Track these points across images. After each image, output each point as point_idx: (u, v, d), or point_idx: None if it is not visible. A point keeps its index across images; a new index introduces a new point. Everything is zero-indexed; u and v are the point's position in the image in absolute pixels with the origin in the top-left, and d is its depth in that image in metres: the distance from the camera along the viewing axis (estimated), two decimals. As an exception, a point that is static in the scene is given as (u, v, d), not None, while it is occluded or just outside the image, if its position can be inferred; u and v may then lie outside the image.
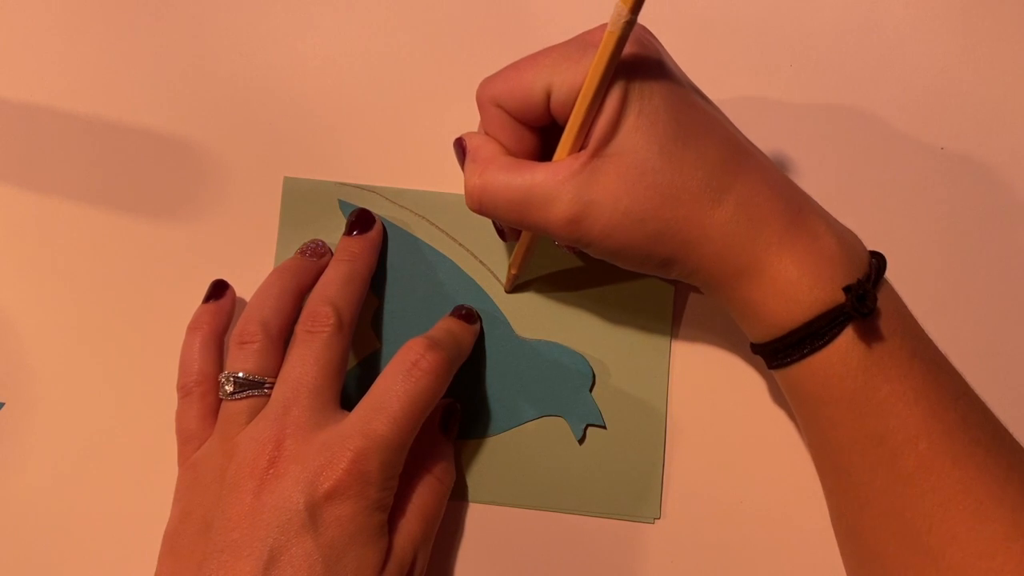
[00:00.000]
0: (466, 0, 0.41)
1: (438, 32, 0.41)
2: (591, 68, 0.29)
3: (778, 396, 0.38)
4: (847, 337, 0.30)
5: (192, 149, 0.41)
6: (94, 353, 0.40)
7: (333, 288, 0.36)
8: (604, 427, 0.38)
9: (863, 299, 0.29)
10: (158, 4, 0.42)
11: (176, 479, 0.35)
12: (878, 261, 0.32)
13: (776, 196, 0.31)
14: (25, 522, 0.39)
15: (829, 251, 0.31)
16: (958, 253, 0.39)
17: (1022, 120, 0.40)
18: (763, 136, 0.35)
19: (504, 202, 0.31)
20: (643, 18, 0.28)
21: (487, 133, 0.33)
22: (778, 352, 0.32)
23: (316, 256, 0.38)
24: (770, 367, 0.33)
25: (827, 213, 0.32)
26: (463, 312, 0.38)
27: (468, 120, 0.40)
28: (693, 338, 0.39)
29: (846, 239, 0.32)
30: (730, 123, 0.33)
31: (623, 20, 0.27)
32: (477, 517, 0.38)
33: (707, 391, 0.39)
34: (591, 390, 0.38)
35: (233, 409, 0.34)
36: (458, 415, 0.38)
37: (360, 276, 0.37)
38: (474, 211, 0.32)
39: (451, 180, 0.40)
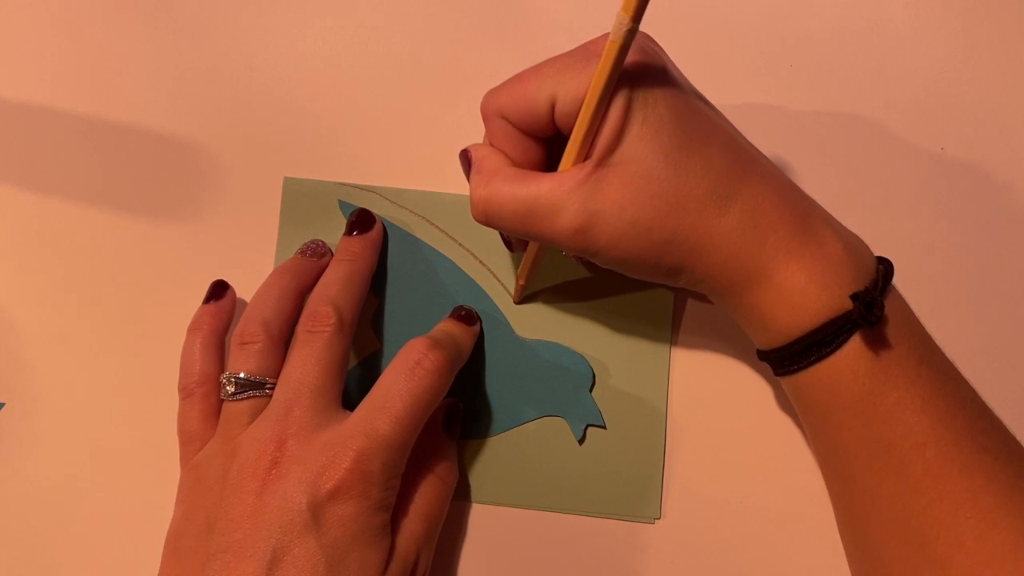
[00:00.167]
0: (466, 0, 0.41)
1: (438, 32, 0.41)
2: (594, 78, 0.28)
3: (778, 397, 0.38)
4: (854, 344, 0.30)
5: (192, 149, 0.41)
6: (94, 353, 0.40)
7: (334, 288, 0.36)
8: (604, 427, 0.38)
9: (871, 307, 0.29)
10: (158, 4, 0.42)
11: (178, 480, 0.35)
12: (885, 268, 0.32)
13: (783, 203, 0.31)
14: (26, 522, 0.39)
15: (836, 258, 0.30)
16: (958, 253, 0.39)
17: (1022, 120, 0.40)
18: (763, 138, 0.35)
19: (510, 213, 0.31)
20: (643, 23, 0.28)
21: (492, 144, 0.33)
22: (785, 359, 0.32)
23: (316, 256, 0.38)
24: (777, 374, 0.33)
25: (834, 219, 0.32)
26: (462, 313, 0.38)
27: (468, 120, 0.40)
28: (693, 340, 0.39)
29: (853, 245, 0.31)
30: (735, 129, 0.33)
31: (625, 29, 0.27)
32: (478, 517, 0.38)
33: (707, 392, 0.39)
34: (591, 390, 0.39)
35: (235, 410, 0.34)
36: (461, 415, 0.38)
37: (361, 276, 0.37)
38: (480, 222, 0.32)
39: (451, 180, 0.40)
